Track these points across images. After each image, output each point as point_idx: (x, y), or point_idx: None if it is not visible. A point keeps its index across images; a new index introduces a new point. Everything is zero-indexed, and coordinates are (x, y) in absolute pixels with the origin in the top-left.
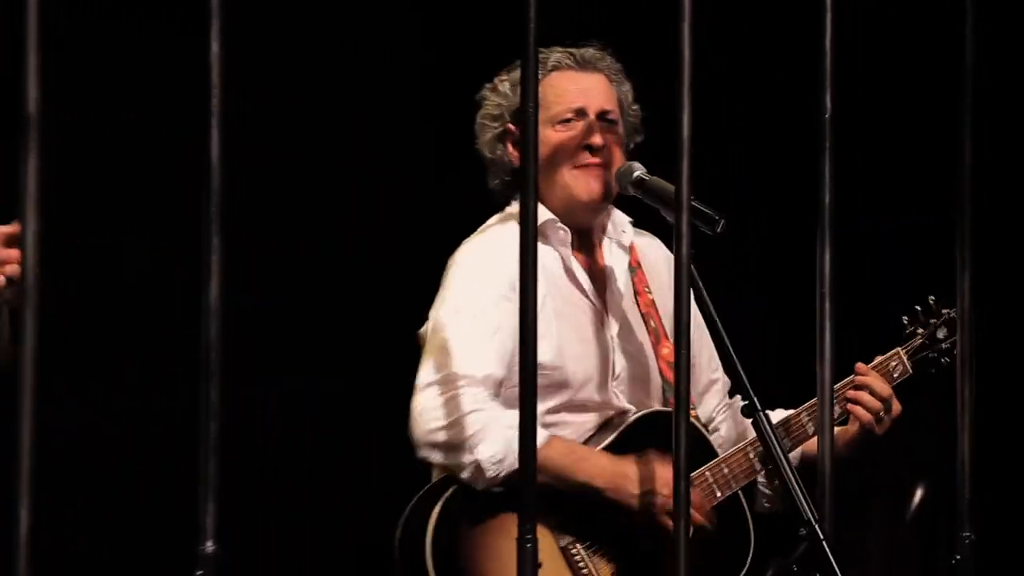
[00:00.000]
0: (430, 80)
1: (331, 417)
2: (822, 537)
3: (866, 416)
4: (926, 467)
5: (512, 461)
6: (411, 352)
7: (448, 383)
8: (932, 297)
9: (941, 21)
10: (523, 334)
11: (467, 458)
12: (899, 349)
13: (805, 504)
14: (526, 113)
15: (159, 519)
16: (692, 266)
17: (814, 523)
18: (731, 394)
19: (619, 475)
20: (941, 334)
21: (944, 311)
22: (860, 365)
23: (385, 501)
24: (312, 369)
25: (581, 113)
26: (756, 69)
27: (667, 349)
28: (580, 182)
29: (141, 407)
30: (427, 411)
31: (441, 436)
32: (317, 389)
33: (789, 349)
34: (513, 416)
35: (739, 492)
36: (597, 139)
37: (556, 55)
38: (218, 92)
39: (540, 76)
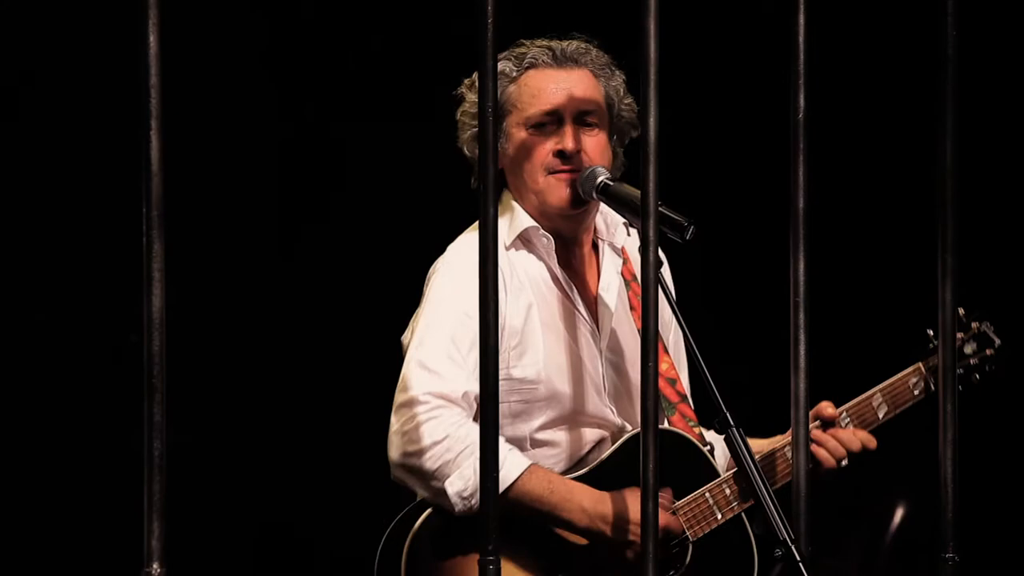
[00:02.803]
0: (405, 72)
1: (285, 434)
2: (798, 558)
3: (829, 462)
4: (907, 485)
5: None
6: (380, 363)
7: (424, 403)
8: (961, 309)
9: (922, 18)
10: (483, 343)
11: (437, 487)
12: (919, 364)
13: (780, 523)
14: (483, 115)
15: (103, 541)
16: (663, 275)
17: (790, 543)
18: (707, 418)
19: (599, 512)
20: (969, 349)
21: (974, 324)
22: (826, 409)
23: (342, 523)
24: (265, 384)
25: (556, 115)
26: (728, 69)
27: (666, 364)
28: (552, 188)
29: (83, 423)
30: (402, 433)
31: (414, 461)
32: (272, 406)
33: (760, 360)
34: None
35: (742, 514)
36: (569, 144)
37: (535, 50)
38: (156, 92)
39: (516, 73)
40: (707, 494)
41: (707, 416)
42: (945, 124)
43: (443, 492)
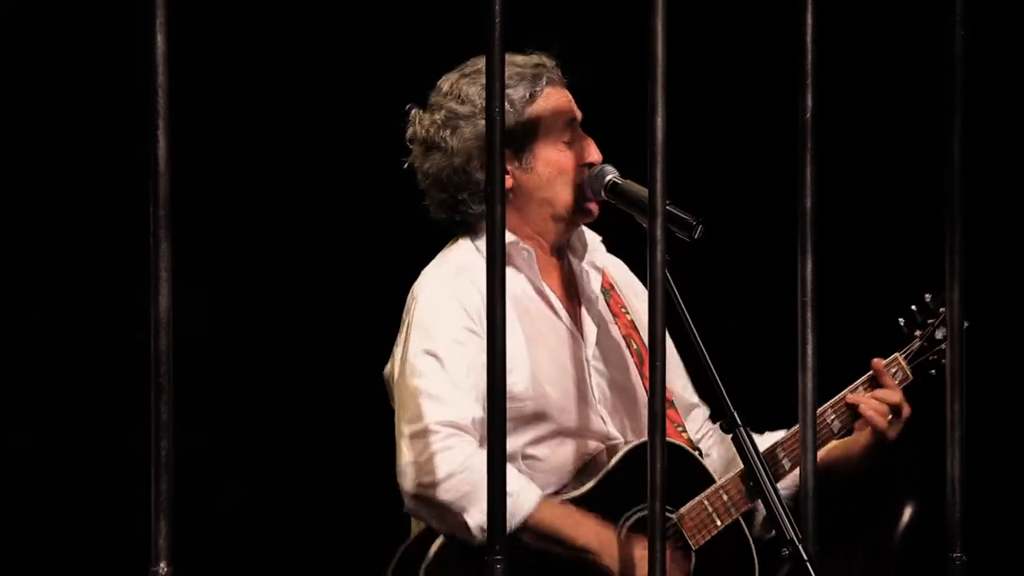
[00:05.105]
0: (403, 87)
1: (292, 435)
2: (806, 558)
3: (881, 423)
4: (915, 485)
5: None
6: (372, 375)
7: (434, 433)
8: (928, 295)
9: (928, 18)
10: (491, 345)
11: (456, 520)
12: (897, 354)
13: (788, 523)
14: (491, 116)
15: (111, 541)
16: (668, 276)
17: (797, 543)
18: (713, 419)
19: (618, 546)
20: (940, 334)
21: (943, 309)
22: (876, 361)
23: (349, 523)
24: (271, 383)
25: (574, 131)
26: (736, 68)
27: None
28: (584, 199)
29: (90, 423)
30: (416, 465)
31: (431, 493)
32: (279, 405)
33: (774, 361)
34: (511, 472)
35: (739, 518)
36: (597, 156)
37: (540, 69)
38: (164, 92)
39: (537, 90)
40: (705, 501)
41: (714, 416)
42: (953, 124)
43: (462, 525)
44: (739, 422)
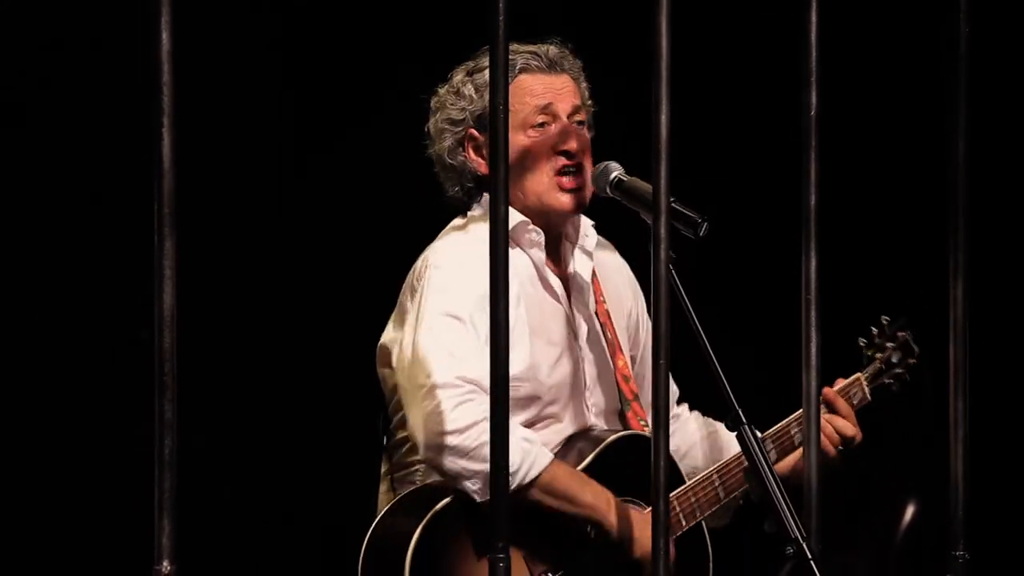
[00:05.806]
0: (395, 77)
1: (294, 434)
2: (810, 555)
3: (831, 450)
4: (918, 483)
5: (524, 474)
6: (374, 374)
7: (458, 387)
8: (885, 318)
9: (932, 16)
10: (494, 338)
11: (478, 466)
12: (860, 375)
13: (792, 521)
14: (495, 109)
15: (114, 539)
16: (673, 273)
17: (801, 541)
18: (716, 416)
19: (619, 511)
20: (895, 358)
21: (900, 334)
22: (827, 391)
23: (349, 516)
24: (275, 381)
25: (554, 117)
26: (740, 66)
27: (621, 361)
28: (557, 189)
29: (94, 420)
30: (438, 414)
31: (453, 440)
32: (282, 403)
33: (771, 358)
34: (525, 429)
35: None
36: (573, 144)
37: (523, 56)
38: (168, 90)
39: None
40: (675, 501)
41: (717, 413)
42: (957, 122)
43: (484, 469)
44: (743, 420)
